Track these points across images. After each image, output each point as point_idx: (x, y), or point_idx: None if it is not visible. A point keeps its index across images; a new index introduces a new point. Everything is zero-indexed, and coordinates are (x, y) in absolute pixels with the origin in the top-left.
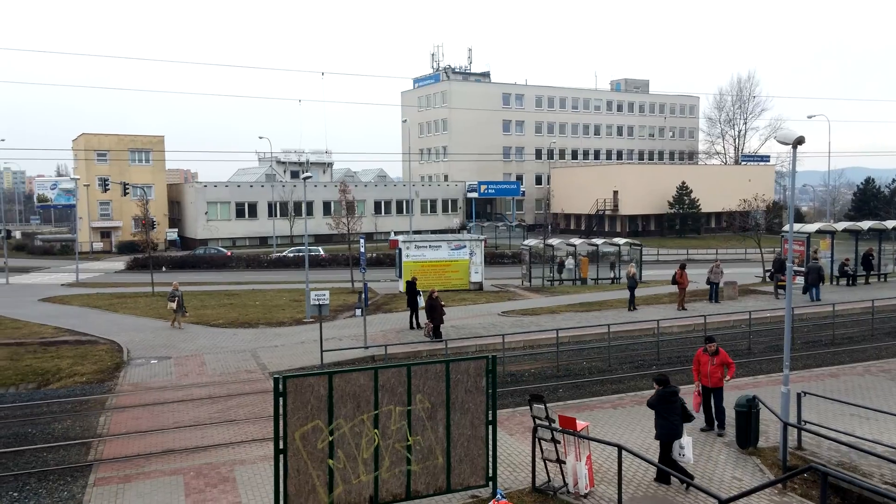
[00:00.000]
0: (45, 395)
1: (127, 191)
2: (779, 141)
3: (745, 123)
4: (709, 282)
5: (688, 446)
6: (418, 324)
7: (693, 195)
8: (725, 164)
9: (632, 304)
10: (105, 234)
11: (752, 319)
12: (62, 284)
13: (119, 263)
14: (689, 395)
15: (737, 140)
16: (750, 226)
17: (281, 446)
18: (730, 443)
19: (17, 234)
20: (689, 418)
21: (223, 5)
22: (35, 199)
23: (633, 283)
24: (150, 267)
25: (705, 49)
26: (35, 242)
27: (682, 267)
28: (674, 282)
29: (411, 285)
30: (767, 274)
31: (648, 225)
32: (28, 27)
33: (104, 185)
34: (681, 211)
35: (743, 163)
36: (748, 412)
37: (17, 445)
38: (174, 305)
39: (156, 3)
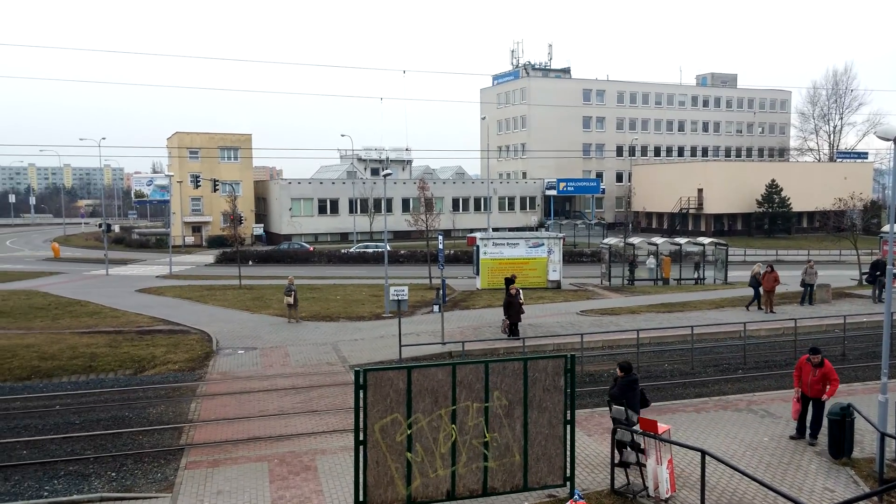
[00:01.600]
0: (140, 381)
1: (217, 187)
2: (879, 137)
3: (841, 118)
4: (803, 283)
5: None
6: (513, 329)
7: (783, 193)
8: (819, 161)
9: (754, 303)
10: (196, 228)
11: (847, 324)
12: (157, 276)
13: (209, 257)
14: (774, 400)
15: (831, 136)
16: (845, 226)
17: (361, 438)
18: (821, 452)
19: (116, 228)
20: (647, 404)
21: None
22: (132, 195)
23: (755, 283)
24: (237, 261)
25: (798, 41)
26: (132, 236)
27: (770, 268)
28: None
29: (509, 282)
30: (864, 277)
31: (735, 224)
32: (128, 31)
33: (196, 181)
34: (770, 210)
35: (838, 160)
36: (842, 421)
37: (116, 428)
38: (290, 300)
39: (243, 5)
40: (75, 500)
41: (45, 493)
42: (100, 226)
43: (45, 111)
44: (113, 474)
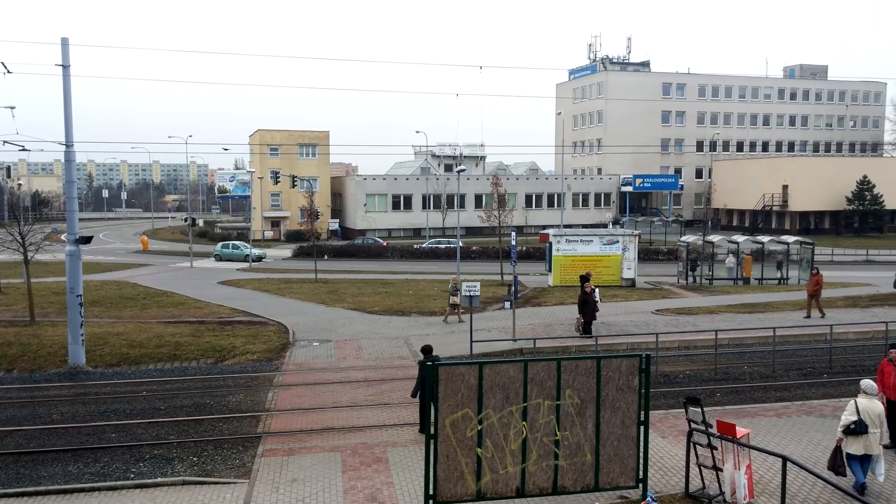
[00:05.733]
0: (221, 370)
1: (295, 183)
2: None
3: None
4: None
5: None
6: (587, 327)
7: (875, 190)
8: None
9: None
10: (275, 223)
11: None
12: (237, 269)
13: (286, 251)
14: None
15: None
16: None
17: (432, 432)
18: None
19: (201, 223)
20: None
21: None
22: (216, 191)
23: None
24: (313, 255)
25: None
26: (215, 230)
27: (816, 270)
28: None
29: (584, 280)
30: None
31: (822, 222)
32: (212, 32)
33: (275, 177)
34: (860, 207)
35: None
36: None
37: (197, 415)
38: (457, 300)
39: (322, 3)
40: (159, 482)
41: (132, 475)
42: (185, 220)
43: (137, 110)
44: (194, 459)
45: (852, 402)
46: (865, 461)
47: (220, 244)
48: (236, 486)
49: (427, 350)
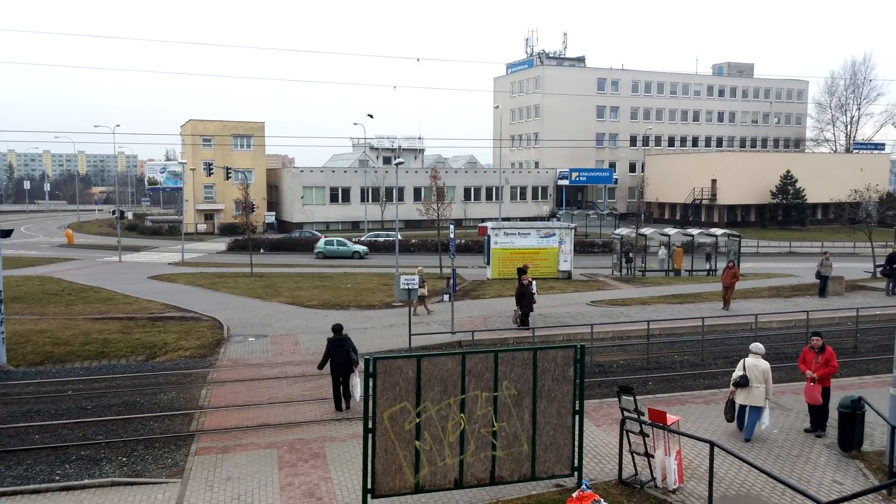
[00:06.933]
0: (152, 367)
1: (229, 175)
2: None
3: (859, 109)
4: (818, 275)
5: None
6: (524, 319)
7: (798, 185)
8: (835, 152)
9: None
10: (208, 216)
11: (859, 317)
12: (169, 263)
13: (221, 244)
14: (784, 392)
15: (848, 127)
16: (860, 218)
17: (370, 426)
18: (831, 445)
19: (130, 215)
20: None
21: None
22: (146, 182)
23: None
24: (248, 248)
25: (816, 30)
26: (145, 223)
27: (732, 264)
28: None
29: (521, 272)
30: (879, 269)
31: (748, 215)
32: (143, 18)
33: (209, 169)
34: (784, 201)
35: (854, 151)
36: (852, 414)
37: (127, 414)
38: (425, 291)
39: None
40: (86, 484)
41: (57, 478)
42: (113, 213)
43: (61, 98)
44: (124, 459)
45: (742, 361)
46: (754, 411)
47: (323, 240)
48: (168, 485)
49: (337, 329)
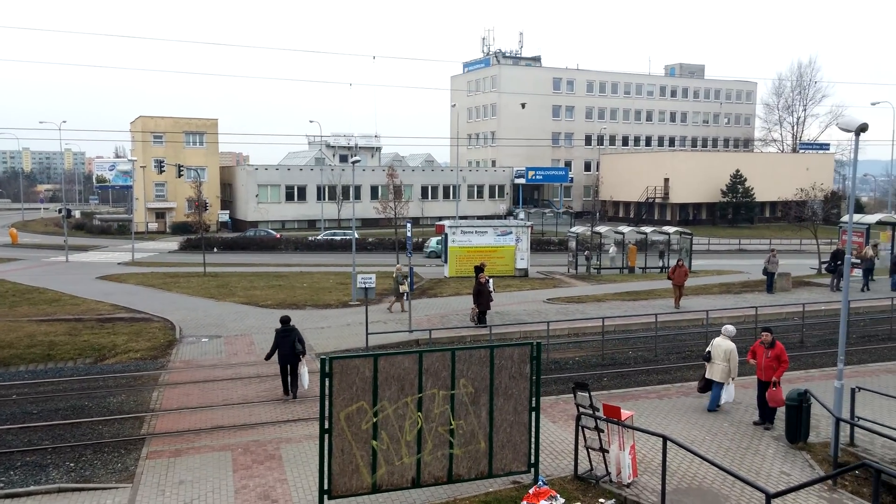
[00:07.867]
0: (101, 369)
1: (181, 173)
2: (841, 128)
3: (805, 110)
4: (765, 272)
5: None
6: (481, 317)
7: (747, 184)
8: (782, 152)
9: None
10: (160, 214)
11: (805, 312)
12: (119, 263)
13: (173, 244)
14: (737, 388)
15: (795, 127)
16: (806, 216)
17: (326, 426)
18: (779, 437)
19: (77, 214)
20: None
21: None
22: (94, 180)
23: (871, 265)
24: (201, 248)
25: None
26: (93, 222)
27: (681, 262)
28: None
29: (479, 270)
30: (823, 266)
31: (700, 213)
32: (91, 10)
33: (160, 166)
34: (734, 200)
35: (801, 151)
36: (799, 406)
37: (75, 418)
38: (405, 287)
39: None
40: (32, 491)
41: (1, 485)
42: (59, 211)
43: (3, 92)
44: (71, 465)
45: (713, 339)
46: (717, 385)
47: (433, 239)
48: (118, 490)
49: (285, 320)
